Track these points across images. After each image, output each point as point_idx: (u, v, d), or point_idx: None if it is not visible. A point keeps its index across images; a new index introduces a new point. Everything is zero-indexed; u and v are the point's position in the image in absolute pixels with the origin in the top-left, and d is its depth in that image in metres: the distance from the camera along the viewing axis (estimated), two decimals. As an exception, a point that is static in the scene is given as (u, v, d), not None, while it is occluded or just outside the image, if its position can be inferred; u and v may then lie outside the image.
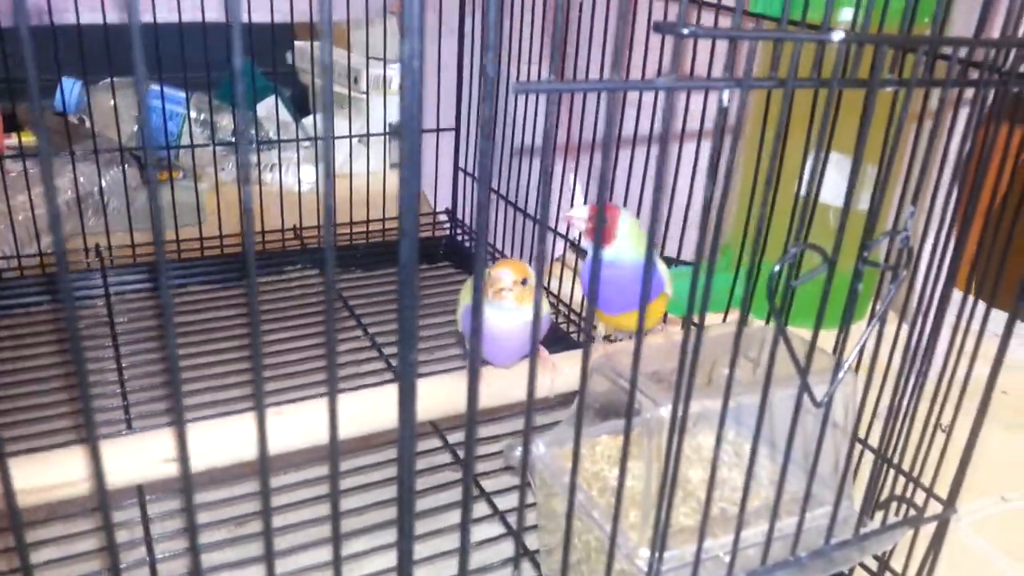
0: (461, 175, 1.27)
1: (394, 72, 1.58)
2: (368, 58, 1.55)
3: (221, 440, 0.59)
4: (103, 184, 1.17)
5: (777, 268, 0.42)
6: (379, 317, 1.05)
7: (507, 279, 0.61)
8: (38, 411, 0.83)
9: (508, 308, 0.62)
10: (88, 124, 1.44)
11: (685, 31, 0.36)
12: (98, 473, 0.30)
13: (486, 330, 0.62)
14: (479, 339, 0.35)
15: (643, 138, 0.91)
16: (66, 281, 0.27)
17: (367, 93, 1.56)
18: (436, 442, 0.82)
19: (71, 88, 1.47)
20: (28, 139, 1.45)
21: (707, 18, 0.83)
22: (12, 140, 1.49)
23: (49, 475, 0.55)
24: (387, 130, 1.36)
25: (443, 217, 1.31)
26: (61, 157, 1.17)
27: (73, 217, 1.17)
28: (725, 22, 0.80)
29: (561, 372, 0.69)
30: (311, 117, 1.72)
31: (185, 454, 0.31)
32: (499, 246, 1.20)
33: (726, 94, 0.39)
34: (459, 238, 1.28)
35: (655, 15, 0.87)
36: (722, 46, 0.85)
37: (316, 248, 1.21)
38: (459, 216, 1.29)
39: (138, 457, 0.58)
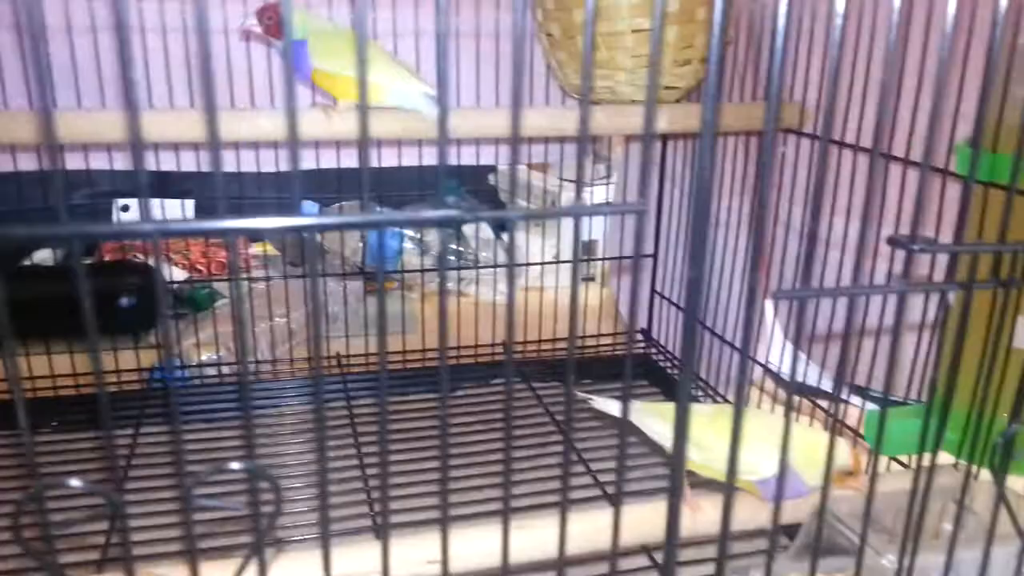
0: (657, 298, 1.36)
1: (592, 193, 1.71)
2: (568, 181, 1.69)
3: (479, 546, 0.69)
4: (343, 296, 1.35)
5: (1001, 441, 0.47)
6: (586, 433, 1.13)
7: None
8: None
9: None
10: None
11: (916, 247, 0.43)
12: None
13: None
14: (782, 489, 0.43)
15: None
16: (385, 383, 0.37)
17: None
18: (642, 560, 0.88)
19: (309, 210, 1.70)
20: (268, 249, 1.67)
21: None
22: (255, 250, 1.72)
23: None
24: (579, 250, 1.48)
25: (638, 336, 1.40)
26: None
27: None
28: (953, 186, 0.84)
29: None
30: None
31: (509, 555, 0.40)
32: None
33: (952, 295, 0.46)
34: (654, 357, 1.36)
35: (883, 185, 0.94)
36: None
37: (522, 361, 1.32)
38: (654, 336, 1.38)
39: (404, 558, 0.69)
